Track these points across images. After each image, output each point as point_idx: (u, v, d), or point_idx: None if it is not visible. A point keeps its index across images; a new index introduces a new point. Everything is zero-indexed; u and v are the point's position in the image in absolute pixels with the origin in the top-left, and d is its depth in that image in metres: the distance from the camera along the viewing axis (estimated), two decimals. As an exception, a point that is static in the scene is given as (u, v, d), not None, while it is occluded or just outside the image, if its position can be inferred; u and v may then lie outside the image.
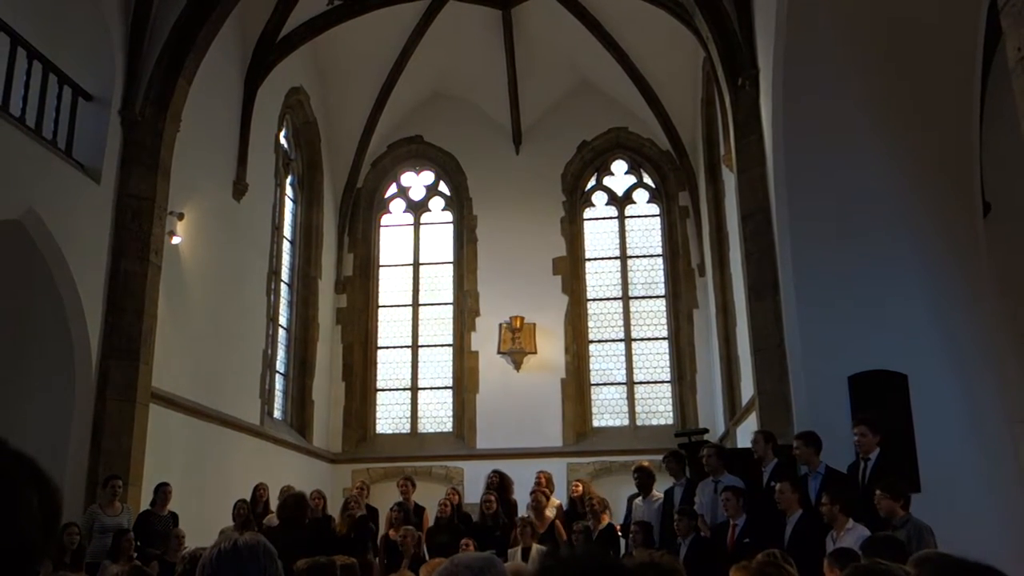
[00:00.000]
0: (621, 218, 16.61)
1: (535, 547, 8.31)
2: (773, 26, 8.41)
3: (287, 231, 15.05)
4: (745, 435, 11.07)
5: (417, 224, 17.03)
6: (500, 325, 15.52)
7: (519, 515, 9.32)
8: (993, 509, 7.55)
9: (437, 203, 17.07)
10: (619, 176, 16.78)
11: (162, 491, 8.91)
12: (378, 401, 16.13)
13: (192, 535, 8.60)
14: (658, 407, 15.55)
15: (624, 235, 16.51)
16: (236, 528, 8.92)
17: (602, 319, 16.12)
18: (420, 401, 16.07)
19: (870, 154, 8.28)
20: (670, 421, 15.21)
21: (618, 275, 16.30)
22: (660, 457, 10.07)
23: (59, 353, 9.28)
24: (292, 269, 15.16)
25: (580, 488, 9.50)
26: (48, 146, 8.99)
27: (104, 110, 9.99)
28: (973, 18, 7.77)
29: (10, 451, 1.06)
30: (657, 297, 16.07)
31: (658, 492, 8.69)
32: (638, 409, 15.57)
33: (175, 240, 10.72)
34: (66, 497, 8.83)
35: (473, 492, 12.46)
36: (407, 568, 8.32)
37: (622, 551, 8.39)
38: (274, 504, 9.82)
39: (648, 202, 16.65)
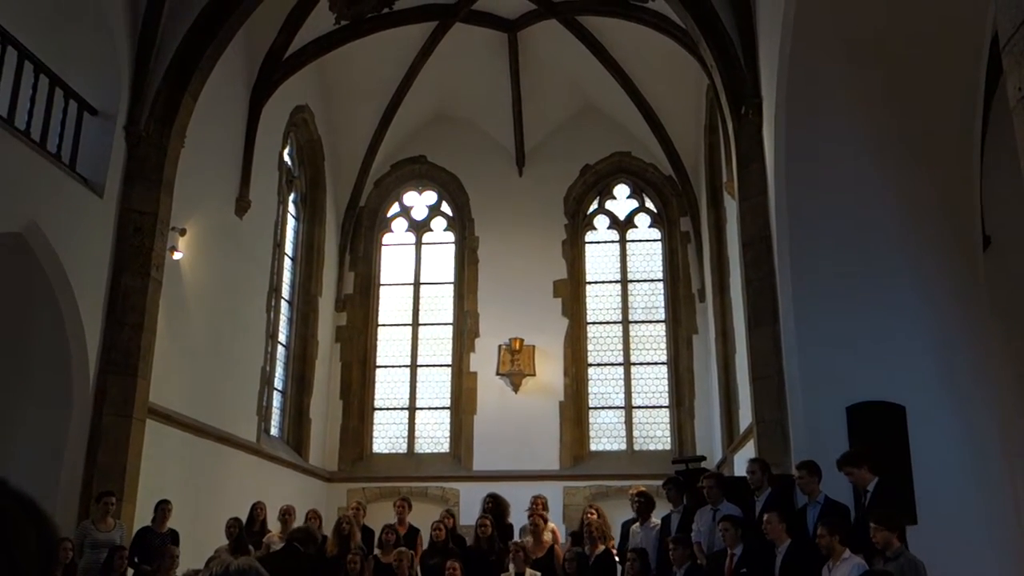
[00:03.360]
0: (622, 242, 16.65)
1: (528, 572, 8.25)
2: (776, 57, 8.45)
3: (288, 248, 15.08)
4: (742, 462, 11.02)
5: (419, 244, 17.07)
6: (499, 346, 15.51)
7: (514, 539, 9.25)
8: (990, 543, 7.51)
9: (439, 223, 17.11)
10: (621, 200, 16.84)
11: (161, 508, 8.86)
12: (375, 420, 16.10)
13: (186, 552, 8.57)
14: (656, 432, 15.52)
15: (625, 259, 16.53)
16: (229, 546, 8.88)
17: (601, 342, 16.12)
18: (417, 421, 16.04)
19: (871, 186, 8.30)
20: (668, 446, 15.18)
21: (618, 299, 16.31)
22: (656, 483, 10.05)
23: (57, 366, 9.26)
24: (293, 286, 15.17)
25: (594, 515, 9.33)
26: (52, 160, 9.01)
27: (109, 125, 10.02)
28: (975, 55, 7.81)
29: (10, 491, 1.07)
30: (657, 322, 16.08)
31: (655, 518, 8.63)
32: (636, 434, 15.54)
33: (176, 256, 10.73)
34: (60, 511, 8.83)
35: (468, 514, 12.42)
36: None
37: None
38: (271, 523, 9.78)
39: (650, 226, 16.69)
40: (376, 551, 9.05)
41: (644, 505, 8.64)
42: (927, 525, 7.20)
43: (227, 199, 12.41)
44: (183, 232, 10.80)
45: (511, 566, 8.41)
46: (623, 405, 15.72)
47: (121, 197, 10.06)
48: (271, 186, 13.93)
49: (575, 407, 15.49)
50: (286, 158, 14.79)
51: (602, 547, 8.68)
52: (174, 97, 10.54)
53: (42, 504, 1.10)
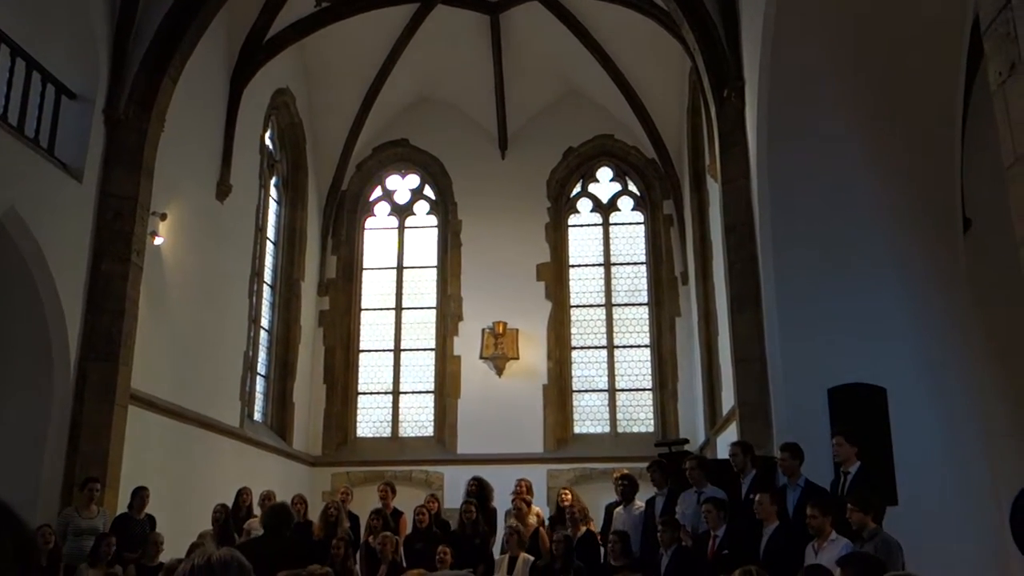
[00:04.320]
0: (605, 225, 16.66)
1: (522, 556, 8.28)
2: (759, 39, 8.45)
3: (270, 233, 14.99)
4: (725, 444, 11.09)
5: (401, 227, 17.01)
6: (483, 330, 15.51)
7: (506, 523, 9.25)
8: (969, 522, 7.60)
9: (422, 207, 17.06)
10: (604, 183, 16.84)
11: (139, 495, 8.83)
12: (359, 404, 16.09)
13: (171, 538, 8.55)
14: (639, 415, 15.59)
15: (608, 242, 16.55)
16: (215, 532, 8.87)
17: (585, 326, 16.14)
18: (401, 405, 16.04)
19: (853, 169, 8.34)
20: (651, 429, 15.25)
21: (602, 282, 16.33)
22: (639, 465, 10.11)
23: (37, 353, 9.19)
24: (275, 271, 15.10)
25: (569, 497, 9.45)
26: (30, 144, 8.91)
27: (88, 109, 9.90)
28: (956, 38, 7.84)
29: None
30: (640, 305, 16.12)
31: (639, 501, 8.68)
32: (619, 416, 15.60)
33: (157, 241, 10.65)
34: (42, 499, 8.81)
35: (453, 497, 12.44)
36: (386, 574, 8.31)
37: (601, 559, 8.37)
38: (256, 509, 9.77)
39: (632, 210, 16.70)
40: (368, 537, 9.06)
41: (628, 488, 8.68)
42: (907, 506, 7.28)
43: (208, 183, 12.32)
44: (164, 217, 10.72)
45: (500, 549, 8.42)
46: (606, 388, 15.77)
47: (100, 182, 9.96)
48: (252, 170, 13.83)
49: (559, 390, 15.53)
50: (267, 142, 14.68)
51: (584, 528, 8.73)
52: (153, 80, 10.43)
53: (17, 503, 1.09)
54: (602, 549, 8.49)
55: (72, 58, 9.82)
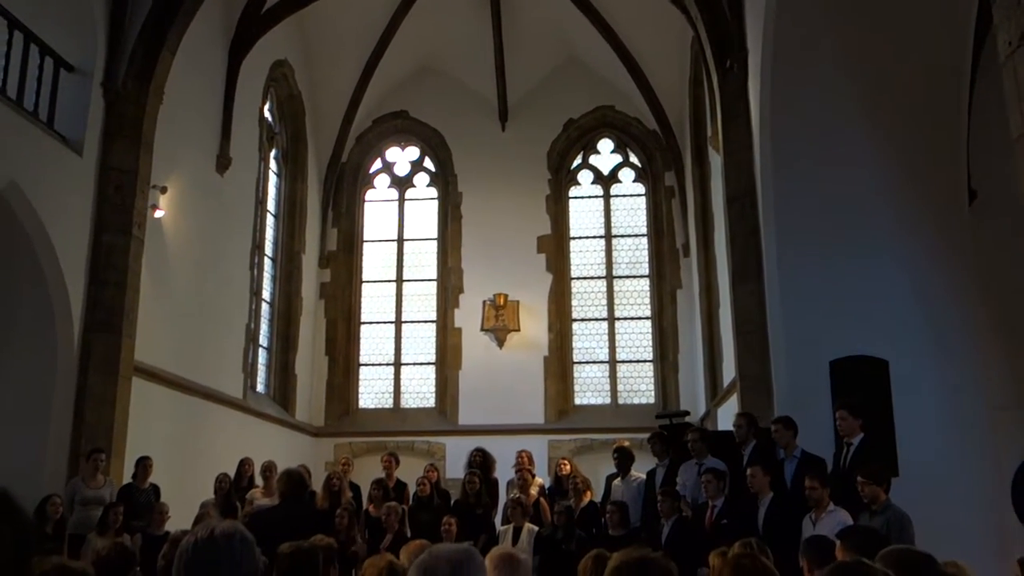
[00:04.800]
0: (606, 197, 16.62)
1: (527, 526, 8.33)
2: (762, 9, 8.38)
3: (271, 205, 14.96)
4: (725, 416, 11.15)
5: (402, 200, 16.98)
6: (484, 302, 15.53)
7: (509, 494, 9.30)
8: (970, 494, 7.64)
9: (422, 179, 17.01)
10: (605, 155, 16.78)
11: (143, 464, 8.93)
12: (361, 376, 16.16)
13: (175, 508, 8.62)
14: (640, 386, 15.64)
15: (609, 214, 16.52)
16: (218, 501, 8.94)
17: (586, 297, 16.16)
18: (403, 376, 16.10)
19: (857, 141, 8.28)
20: (652, 400, 15.31)
21: (602, 254, 16.33)
22: (640, 436, 10.17)
23: (41, 326, 9.22)
24: (276, 243, 15.09)
25: (567, 466, 9.54)
26: (30, 118, 8.87)
27: (86, 82, 9.85)
28: (964, 8, 7.76)
29: None
30: (641, 277, 16.12)
31: (637, 472, 8.74)
32: (620, 388, 15.66)
33: (158, 214, 10.64)
34: (48, 469, 8.90)
35: (455, 467, 12.53)
36: (390, 544, 8.37)
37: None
38: (258, 479, 9.84)
39: (634, 181, 16.65)
40: (369, 507, 9.12)
41: (621, 460, 8.75)
42: (909, 477, 7.31)
43: (208, 156, 12.28)
44: (164, 190, 10.70)
45: (501, 520, 8.46)
46: (607, 360, 15.82)
47: (101, 155, 9.94)
48: (252, 142, 13.78)
49: (559, 362, 15.58)
50: (266, 114, 14.60)
51: (588, 499, 8.79)
52: (152, 53, 10.36)
53: (23, 473, 1.09)
54: (603, 519, 8.56)
55: (69, 31, 9.75)
